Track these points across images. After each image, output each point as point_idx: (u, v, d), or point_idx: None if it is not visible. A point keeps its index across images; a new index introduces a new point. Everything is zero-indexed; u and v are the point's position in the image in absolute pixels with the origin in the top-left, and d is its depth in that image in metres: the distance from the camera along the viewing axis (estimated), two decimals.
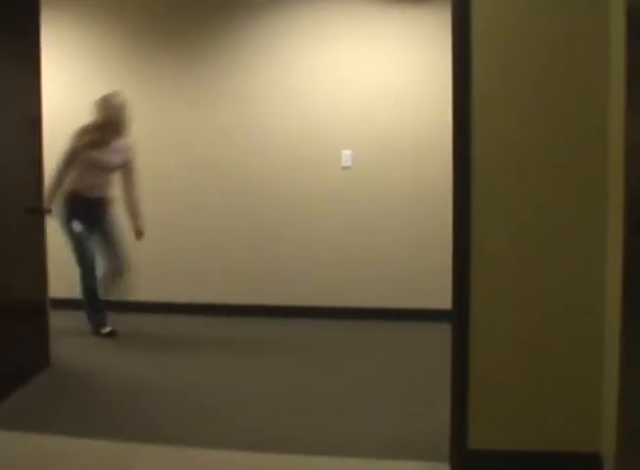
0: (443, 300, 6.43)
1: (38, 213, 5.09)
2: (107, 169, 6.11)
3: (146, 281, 7.16)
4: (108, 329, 6.28)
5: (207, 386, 4.87)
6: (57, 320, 5.81)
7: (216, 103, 6.95)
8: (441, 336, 5.96)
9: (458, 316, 3.45)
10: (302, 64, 6.82)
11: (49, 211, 5.19)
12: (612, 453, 3.15)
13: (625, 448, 2.98)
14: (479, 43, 3.32)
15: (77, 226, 6.03)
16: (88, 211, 6.12)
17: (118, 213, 6.60)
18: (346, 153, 6.76)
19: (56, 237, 6.42)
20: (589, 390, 3.37)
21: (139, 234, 6.24)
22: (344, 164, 6.76)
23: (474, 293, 3.41)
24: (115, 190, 6.49)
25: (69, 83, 7.20)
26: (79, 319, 6.66)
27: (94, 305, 6.23)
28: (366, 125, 6.75)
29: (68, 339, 6.00)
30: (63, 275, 6.85)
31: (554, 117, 3.31)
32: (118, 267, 6.26)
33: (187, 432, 4.04)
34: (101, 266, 6.23)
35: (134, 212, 6.22)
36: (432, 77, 6.59)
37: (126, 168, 6.23)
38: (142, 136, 7.08)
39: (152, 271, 7.17)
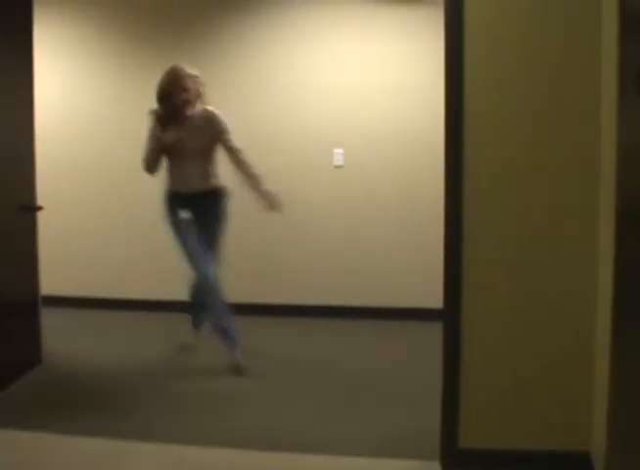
0: (436, 299, 6.45)
1: (31, 211, 5.09)
2: (190, 153, 5.20)
3: (137, 278, 7.15)
4: (191, 338, 5.87)
5: (202, 385, 4.88)
6: (49, 317, 5.81)
7: (208, 102, 6.95)
8: (432, 335, 5.97)
9: (449, 315, 3.46)
10: (293, 63, 6.81)
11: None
12: (602, 453, 3.17)
13: (615, 448, 2.99)
14: (471, 45, 3.33)
15: (176, 218, 5.24)
16: (190, 210, 5.29)
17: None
18: (338, 151, 6.76)
19: (48, 234, 6.40)
20: (580, 389, 3.39)
21: (276, 206, 5.19)
22: (336, 162, 6.77)
23: (465, 292, 3.42)
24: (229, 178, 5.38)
25: (63, 80, 7.18)
26: (72, 316, 6.65)
27: (193, 301, 5.63)
28: (358, 124, 6.75)
29: (60, 336, 5.99)
30: (55, 272, 6.84)
31: (546, 119, 3.32)
32: (201, 283, 5.26)
33: (181, 430, 4.04)
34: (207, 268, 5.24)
35: (257, 190, 5.16)
36: (422, 77, 6.60)
37: (223, 145, 5.21)
38: (136, 134, 7.07)
39: (144, 268, 7.16)
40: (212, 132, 5.17)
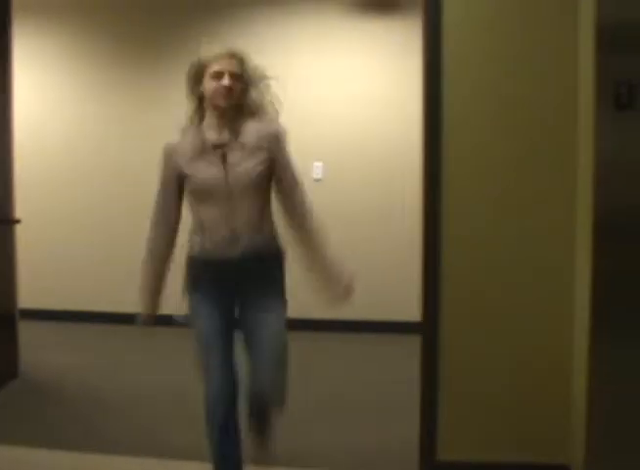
0: (413, 311, 6.46)
1: (9, 224, 5.05)
2: (238, 193, 3.07)
3: (114, 290, 7.12)
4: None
5: (178, 397, 4.85)
6: (26, 331, 5.76)
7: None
8: (409, 348, 5.98)
9: (427, 328, 3.46)
10: (272, 75, 6.81)
11: (151, 321, 3.45)
12: (580, 465, 3.18)
13: (593, 460, 3.01)
14: (449, 60, 3.35)
15: (202, 311, 3.18)
16: (222, 289, 3.17)
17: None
18: (318, 165, 6.76)
19: (26, 246, 6.36)
20: (558, 402, 3.40)
21: (347, 296, 3.32)
22: (315, 176, 6.77)
23: (443, 305, 3.43)
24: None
25: (43, 94, 7.15)
26: (49, 330, 6.60)
27: (213, 441, 3.25)
28: (337, 137, 6.76)
29: (37, 350, 5.94)
30: (33, 285, 6.79)
31: (524, 134, 3.34)
32: (259, 398, 3.24)
33: (156, 444, 4.02)
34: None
35: (324, 272, 3.27)
36: (402, 89, 6.62)
37: (281, 184, 3.18)
38: (113, 139, 7.05)
39: (121, 281, 7.13)
40: (273, 157, 3.13)
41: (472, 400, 3.45)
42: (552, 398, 3.40)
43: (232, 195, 3.06)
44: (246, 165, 3.07)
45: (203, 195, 3.08)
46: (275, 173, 3.15)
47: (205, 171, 3.07)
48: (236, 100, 3.08)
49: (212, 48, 3.10)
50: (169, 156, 3.16)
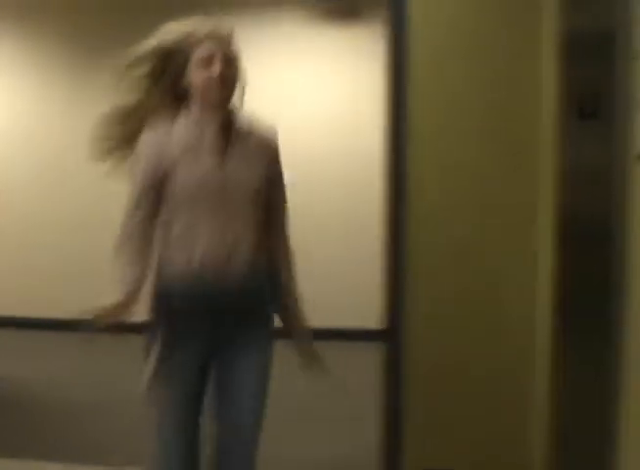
0: (371, 319, 6.43)
1: None
2: (230, 196, 2.48)
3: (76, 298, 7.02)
4: None
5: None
6: None
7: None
8: (371, 356, 5.95)
9: (391, 336, 3.45)
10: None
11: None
12: None
13: None
14: (413, 68, 3.36)
15: (172, 372, 2.48)
16: (204, 335, 2.51)
17: None
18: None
19: None
20: (520, 411, 3.40)
21: (317, 365, 3.00)
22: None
23: (406, 313, 3.42)
24: None
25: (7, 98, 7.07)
26: (16, 338, 6.51)
27: None
28: (300, 145, 6.74)
29: (3, 359, 5.86)
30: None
31: (487, 138, 3.35)
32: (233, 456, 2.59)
33: (123, 452, 3.97)
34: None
35: (298, 330, 2.81)
36: (365, 99, 6.62)
37: (269, 209, 2.61)
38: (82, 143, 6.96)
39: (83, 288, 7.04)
40: (270, 178, 2.58)
41: (436, 410, 3.43)
42: (514, 408, 3.40)
43: (230, 200, 2.44)
44: (247, 174, 2.48)
45: (192, 199, 2.41)
46: (267, 202, 2.55)
47: (198, 171, 2.41)
48: (232, 92, 2.45)
49: (191, 25, 2.44)
50: (155, 148, 2.42)
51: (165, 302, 2.46)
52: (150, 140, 2.44)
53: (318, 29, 6.68)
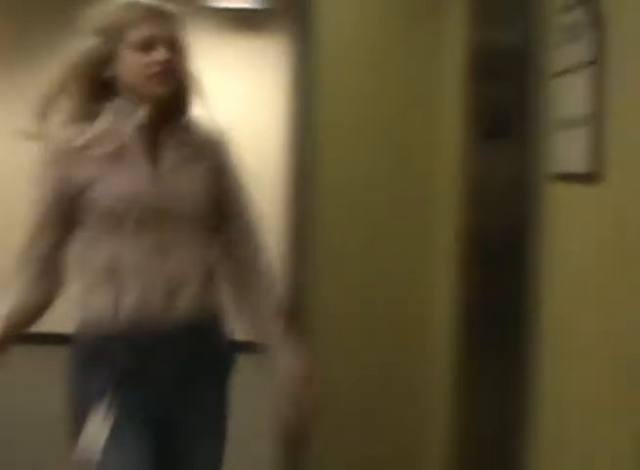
0: None
1: None
2: (166, 214, 1.94)
3: None
4: None
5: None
6: None
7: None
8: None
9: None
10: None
11: None
12: None
13: None
14: (317, 78, 3.31)
15: (111, 439, 1.85)
16: (144, 391, 1.93)
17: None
18: None
19: None
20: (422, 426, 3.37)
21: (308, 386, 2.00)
22: None
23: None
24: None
25: None
26: None
27: None
28: None
29: None
30: None
31: (386, 152, 3.34)
32: None
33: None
34: None
35: (280, 343, 2.02)
36: (268, 108, 6.56)
37: (228, 225, 2.07)
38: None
39: None
40: (219, 181, 2.06)
41: (333, 424, 3.37)
42: (413, 426, 3.38)
43: (165, 220, 1.92)
44: (189, 187, 1.97)
45: (118, 219, 1.87)
46: (221, 208, 2.03)
47: (125, 182, 1.90)
48: (174, 84, 1.93)
49: (123, 4, 1.94)
50: (64, 157, 1.91)
51: (92, 352, 1.93)
52: (58, 147, 1.92)
53: (224, 39, 6.60)
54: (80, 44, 1.92)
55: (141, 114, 1.91)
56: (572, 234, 2.07)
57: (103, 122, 1.91)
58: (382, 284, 3.34)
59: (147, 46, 1.88)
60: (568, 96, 2.02)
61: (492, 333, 2.79)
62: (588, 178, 1.88)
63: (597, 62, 1.83)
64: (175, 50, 1.91)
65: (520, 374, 2.39)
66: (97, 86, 1.93)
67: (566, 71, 2.03)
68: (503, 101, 2.77)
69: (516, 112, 2.57)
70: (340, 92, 3.32)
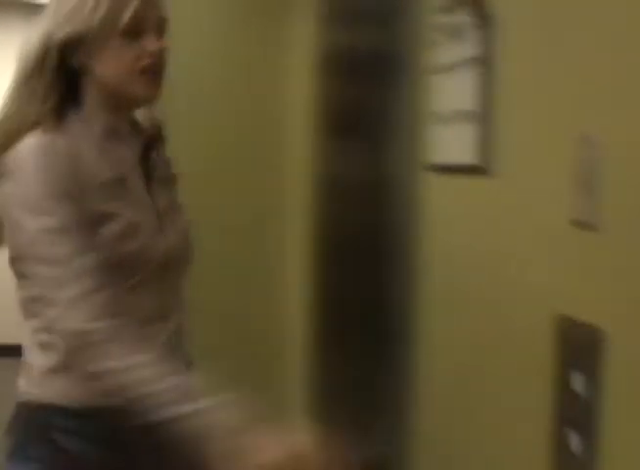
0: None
1: None
2: (170, 261, 1.56)
3: None
4: None
5: None
6: None
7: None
8: None
9: None
10: None
11: None
12: None
13: None
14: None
15: None
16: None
17: None
18: None
19: None
20: None
21: None
22: None
23: None
24: None
25: None
26: None
27: None
28: None
29: None
30: None
31: (235, 156, 3.32)
32: None
33: None
34: None
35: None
36: None
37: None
38: None
39: None
40: None
41: None
42: None
43: (169, 269, 1.56)
44: (180, 218, 1.64)
45: (129, 267, 1.47)
46: None
47: (135, 216, 1.48)
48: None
49: None
50: (70, 162, 1.42)
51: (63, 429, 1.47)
52: (55, 149, 1.41)
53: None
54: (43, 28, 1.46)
55: (126, 133, 1.54)
56: (452, 228, 2.10)
57: (79, 141, 1.47)
58: (237, 286, 3.31)
59: (136, 32, 1.45)
60: (450, 92, 2.08)
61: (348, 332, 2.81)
62: (474, 171, 1.95)
63: (483, 60, 1.90)
64: (164, 36, 1.50)
65: (390, 379, 2.40)
66: (58, 84, 1.47)
67: (447, 69, 2.09)
68: (359, 99, 2.80)
69: (374, 109, 2.61)
70: (186, 90, 3.27)
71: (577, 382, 1.41)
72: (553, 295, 1.55)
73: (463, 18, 1.99)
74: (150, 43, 1.45)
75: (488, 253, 1.90)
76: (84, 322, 1.31)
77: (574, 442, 1.41)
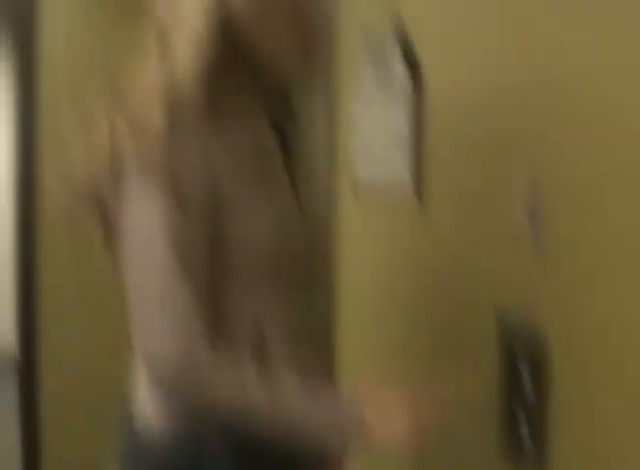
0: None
1: None
2: (313, 259, 1.38)
3: None
4: None
5: None
6: None
7: None
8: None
9: (24, 363, 3.22)
10: None
11: None
12: None
13: None
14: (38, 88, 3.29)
15: None
16: None
17: None
18: None
19: None
20: None
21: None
22: None
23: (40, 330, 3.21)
24: None
25: None
26: None
27: None
28: None
29: None
30: None
31: None
32: None
33: None
34: None
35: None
36: None
37: None
38: None
39: None
40: None
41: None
42: None
43: (312, 268, 1.37)
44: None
45: (272, 264, 1.24)
46: None
47: (284, 213, 1.26)
48: None
49: None
50: (202, 161, 1.17)
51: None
52: (195, 147, 1.16)
53: None
54: None
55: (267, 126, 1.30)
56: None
57: (239, 132, 1.24)
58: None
59: (292, 13, 1.22)
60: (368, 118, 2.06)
61: None
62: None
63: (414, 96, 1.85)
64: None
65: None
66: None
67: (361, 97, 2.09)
68: None
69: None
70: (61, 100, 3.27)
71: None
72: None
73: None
74: (309, 24, 1.25)
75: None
76: None
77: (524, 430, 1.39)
